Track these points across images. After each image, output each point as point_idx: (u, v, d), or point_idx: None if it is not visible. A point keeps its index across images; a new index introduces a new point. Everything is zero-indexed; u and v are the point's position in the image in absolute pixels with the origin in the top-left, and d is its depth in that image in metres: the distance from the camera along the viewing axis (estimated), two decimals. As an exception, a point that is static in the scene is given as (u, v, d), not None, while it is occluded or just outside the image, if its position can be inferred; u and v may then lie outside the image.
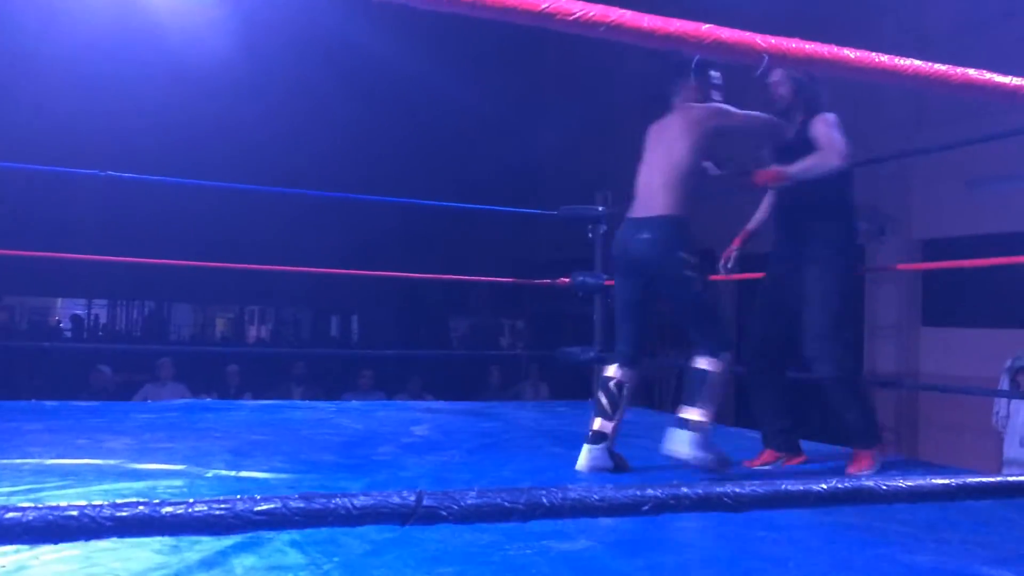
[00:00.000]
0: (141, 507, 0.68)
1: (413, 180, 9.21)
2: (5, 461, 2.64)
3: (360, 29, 8.83)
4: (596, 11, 0.84)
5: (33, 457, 2.72)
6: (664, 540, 2.00)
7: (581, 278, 4.66)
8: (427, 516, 0.67)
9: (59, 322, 16.63)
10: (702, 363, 2.83)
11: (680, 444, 2.71)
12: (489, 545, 1.87)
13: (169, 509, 0.67)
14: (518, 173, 10.89)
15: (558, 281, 4.78)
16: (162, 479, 2.47)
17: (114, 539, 0.73)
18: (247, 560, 1.74)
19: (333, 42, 9.25)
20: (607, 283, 4.69)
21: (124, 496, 2.31)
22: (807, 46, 1.02)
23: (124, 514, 0.66)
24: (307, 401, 5.08)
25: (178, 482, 2.45)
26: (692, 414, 2.74)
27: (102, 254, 4.59)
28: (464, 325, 14.66)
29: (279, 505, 0.66)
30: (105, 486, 2.39)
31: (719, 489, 0.75)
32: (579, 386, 5.14)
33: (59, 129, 8.31)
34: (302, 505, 0.66)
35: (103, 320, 15.20)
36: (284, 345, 14.52)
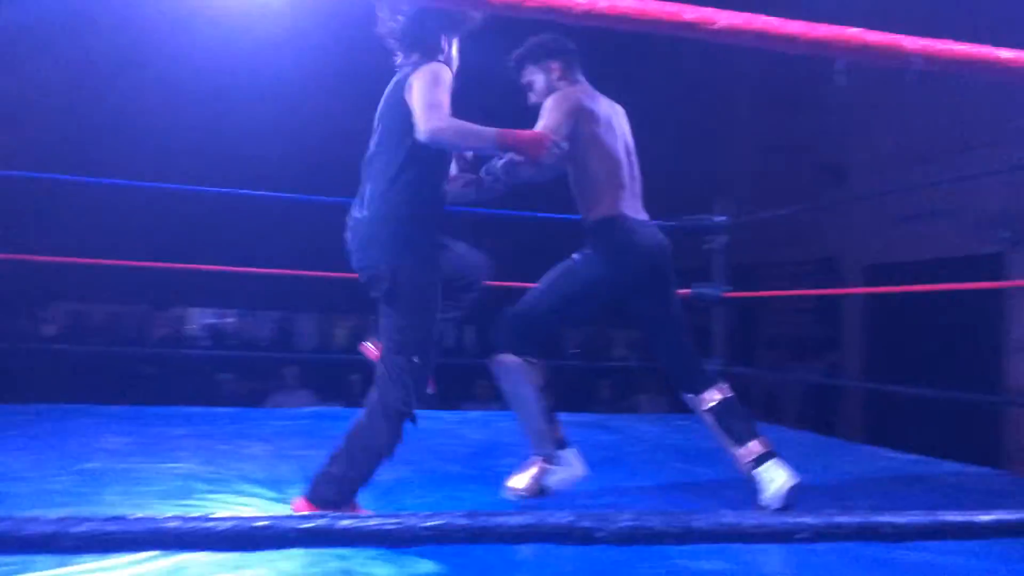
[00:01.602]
0: (321, 520, 0.72)
1: (521, 192, 9.25)
2: (158, 465, 2.82)
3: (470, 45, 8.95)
4: (741, 20, 0.85)
5: (181, 461, 2.90)
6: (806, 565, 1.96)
7: (699, 289, 4.60)
8: (583, 537, 0.69)
9: (193, 331, 17.49)
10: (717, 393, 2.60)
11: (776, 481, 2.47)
12: (622, 563, 1.87)
13: (346, 523, 0.71)
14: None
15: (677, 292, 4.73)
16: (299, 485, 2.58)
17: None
18: (382, 570, 1.81)
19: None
20: (727, 295, 4.62)
21: (269, 501, 2.43)
22: (958, 47, 0.98)
23: (307, 526, 0.70)
24: (429, 411, 5.19)
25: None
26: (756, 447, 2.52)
27: (233, 265, 4.85)
28: (576, 335, 14.61)
29: (446, 521, 0.69)
30: (246, 491, 2.51)
31: (877, 519, 0.74)
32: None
33: (192, 148, 8.80)
34: (467, 522, 0.69)
35: (232, 329, 15.91)
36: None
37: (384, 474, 2.83)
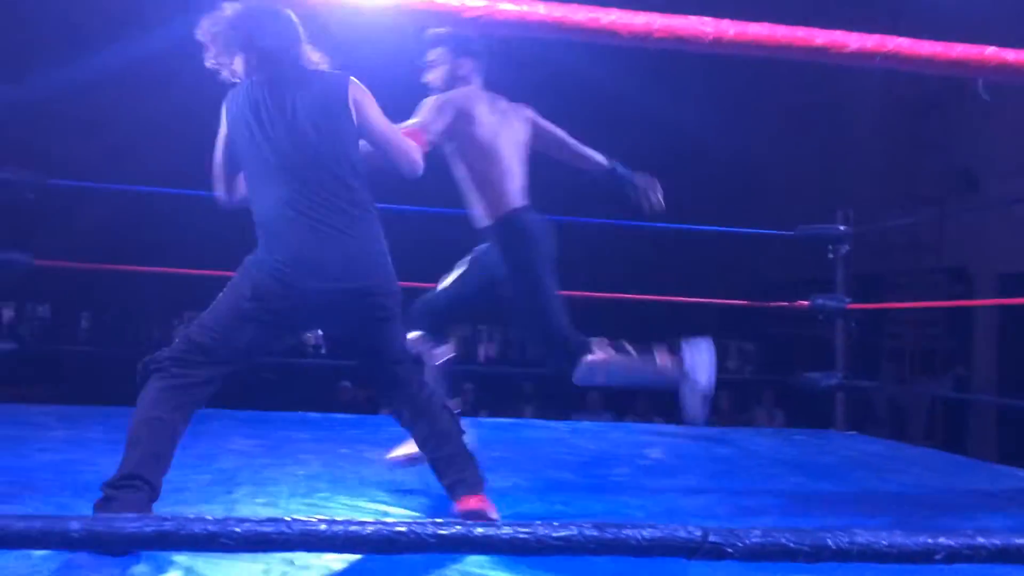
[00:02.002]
0: (458, 527, 0.75)
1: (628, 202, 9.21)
2: (284, 467, 2.94)
3: (592, 62, 8.99)
4: (872, 42, 0.84)
5: (305, 464, 3.01)
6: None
7: (821, 300, 4.47)
8: (712, 552, 0.69)
9: (311, 340, 18.13)
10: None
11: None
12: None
13: (480, 531, 0.74)
14: (748, 190, 10.60)
15: (795, 304, 4.61)
16: (415, 495, 2.64)
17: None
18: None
19: (565, 75, 9.46)
20: (849, 306, 4.47)
21: (387, 505, 2.51)
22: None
23: (444, 532, 0.73)
24: (541, 420, 5.23)
25: (424, 499, 2.59)
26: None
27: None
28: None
29: (575, 532, 0.71)
30: (366, 494, 2.59)
31: (1018, 541, 0.71)
32: (819, 414, 4.91)
33: None
34: (596, 533, 0.70)
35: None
36: (512, 365, 14.94)
37: (498, 480, 2.88)
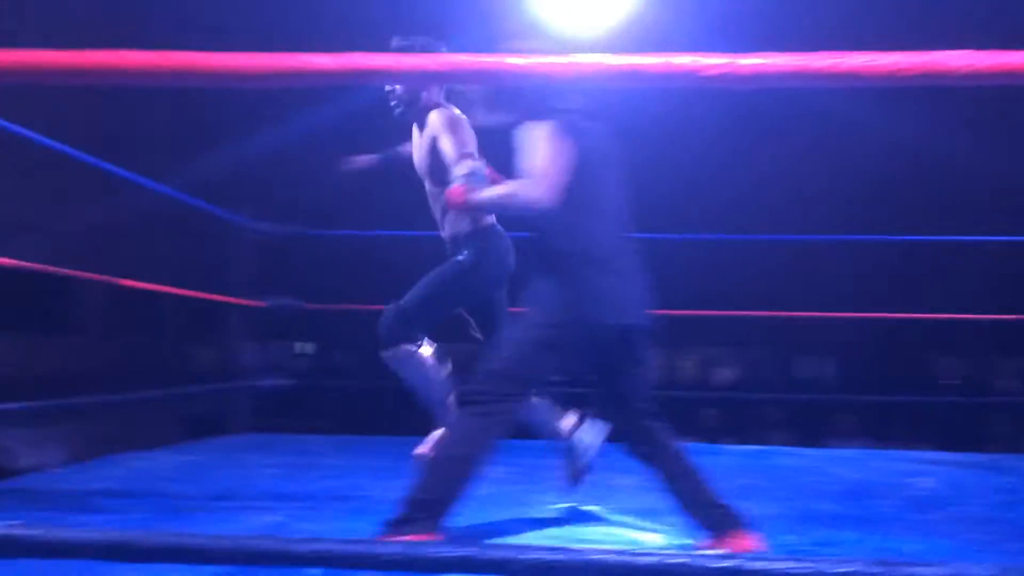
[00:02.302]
0: (732, 561, 0.73)
1: (885, 214, 8.66)
2: (538, 493, 3.01)
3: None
4: None
5: (554, 491, 3.07)
6: None
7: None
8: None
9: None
10: None
11: None
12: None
13: (757, 564, 0.72)
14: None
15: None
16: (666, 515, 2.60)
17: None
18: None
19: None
20: None
21: (642, 531, 2.50)
22: None
23: (720, 565, 0.71)
24: (792, 447, 4.99)
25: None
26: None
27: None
28: (954, 366, 13.18)
29: (857, 569, 0.67)
30: (622, 521, 2.60)
31: None
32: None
33: None
34: (879, 571, 0.66)
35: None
36: (754, 389, 14.40)
37: (751, 510, 2.78)
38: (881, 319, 5.23)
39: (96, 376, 7.91)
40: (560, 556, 0.75)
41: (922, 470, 3.77)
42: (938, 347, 12.50)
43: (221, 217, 4.11)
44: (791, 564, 0.75)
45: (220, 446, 4.24)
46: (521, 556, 0.75)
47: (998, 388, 11.49)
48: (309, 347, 14.76)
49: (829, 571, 0.71)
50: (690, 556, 0.75)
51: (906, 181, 10.22)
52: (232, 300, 4.29)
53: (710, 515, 2.16)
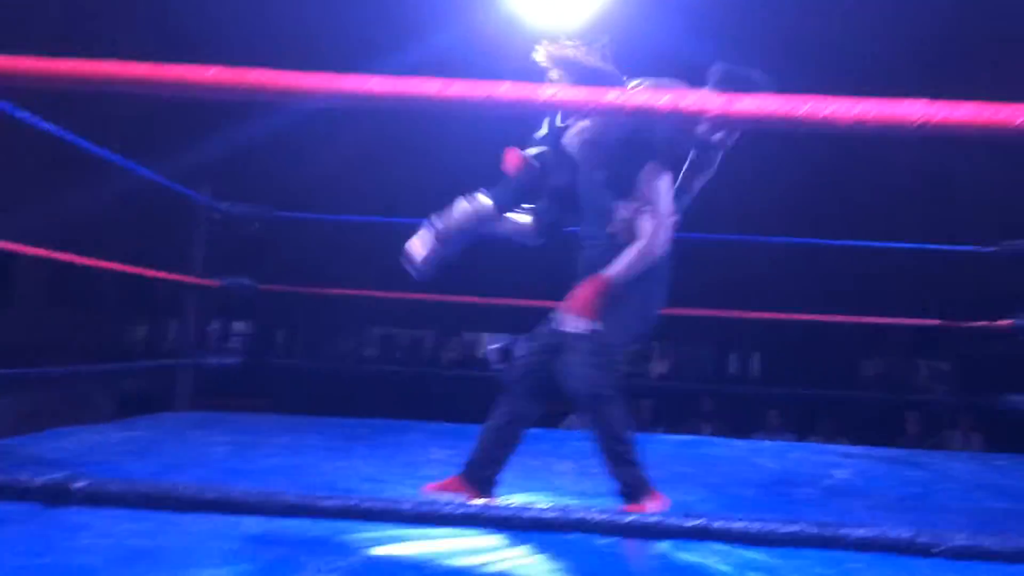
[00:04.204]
0: (702, 519, 0.88)
1: (819, 218, 9.00)
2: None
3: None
4: None
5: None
6: None
7: (1024, 320, 4.26)
8: (921, 550, 0.79)
9: (485, 355, 18.76)
10: None
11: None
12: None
13: (719, 523, 0.87)
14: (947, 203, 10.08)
15: (996, 323, 4.41)
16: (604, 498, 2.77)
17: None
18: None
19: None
20: (1055, 326, 4.23)
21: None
22: None
23: (689, 525, 0.86)
24: (721, 438, 5.23)
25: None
26: None
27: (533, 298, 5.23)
28: (875, 365, 13.75)
29: (801, 528, 0.82)
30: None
31: None
32: (1021, 438, 4.65)
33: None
34: (818, 531, 0.82)
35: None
36: (687, 381, 14.75)
37: (682, 495, 2.97)
38: (808, 320, 5.50)
39: (40, 350, 7.80)
40: (555, 514, 0.90)
41: (840, 462, 4.02)
42: (860, 347, 13.03)
43: (180, 194, 4.13)
44: (757, 525, 0.90)
45: (165, 423, 4.27)
46: (523, 514, 0.89)
47: (914, 387, 12.05)
48: (260, 327, 14.64)
49: (779, 530, 0.86)
50: (663, 517, 0.90)
51: (833, 189, 10.62)
52: (186, 279, 4.33)
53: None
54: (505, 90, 1.12)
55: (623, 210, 2.45)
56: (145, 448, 3.42)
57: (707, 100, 1.10)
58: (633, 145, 2.42)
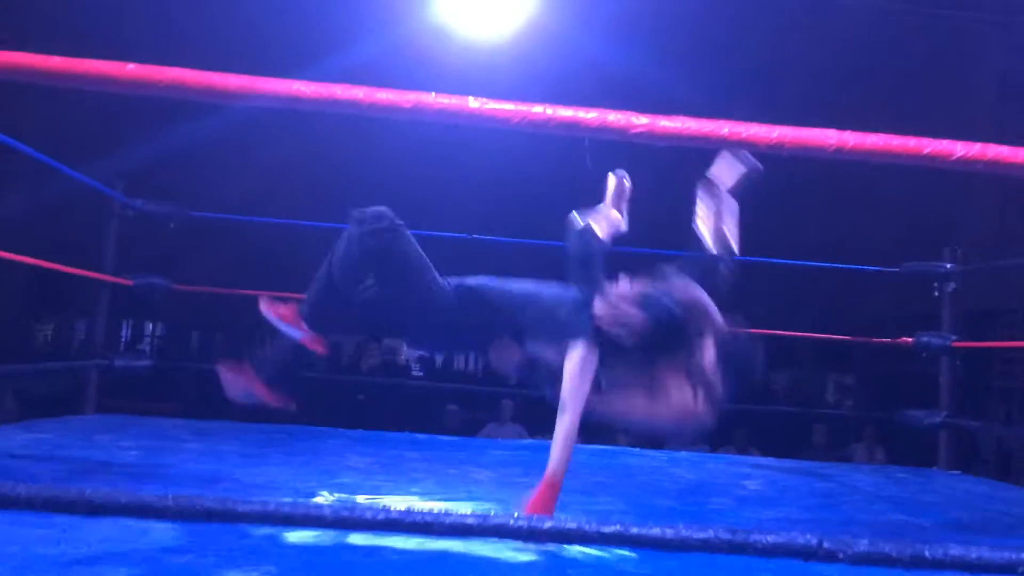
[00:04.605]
0: (618, 526, 0.90)
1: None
2: (398, 484, 3.14)
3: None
4: (975, 150, 0.97)
5: (418, 483, 3.21)
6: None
7: (926, 338, 4.46)
8: (826, 556, 0.83)
9: (407, 361, 18.63)
10: None
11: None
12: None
13: (636, 530, 0.89)
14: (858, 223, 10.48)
15: (899, 340, 4.61)
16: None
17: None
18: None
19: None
20: (955, 344, 4.44)
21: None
22: None
23: (609, 530, 0.88)
24: (639, 448, 5.32)
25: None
26: None
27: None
28: (785, 378, 14.19)
29: (713, 535, 0.85)
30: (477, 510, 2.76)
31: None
32: (922, 452, 4.86)
33: (429, 195, 9.63)
34: (729, 537, 0.85)
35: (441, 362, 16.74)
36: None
37: (599, 504, 3.02)
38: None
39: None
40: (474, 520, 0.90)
41: (751, 473, 4.13)
42: (772, 361, 13.42)
43: (94, 191, 4.00)
44: (661, 530, 0.92)
45: (72, 426, 4.12)
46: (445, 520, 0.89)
47: (821, 401, 12.47)
48: (175, 330, 14.25)
49: (693, 536, 0.89)
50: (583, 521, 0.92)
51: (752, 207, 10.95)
52: (97, 276, 4.19)
53: None
54: (432, 99, 1.13)
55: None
56: (50, 452, 3.30)
57: (632, 119, 1.13)
58: None
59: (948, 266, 4.44)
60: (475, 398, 8.72)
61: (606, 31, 8.13)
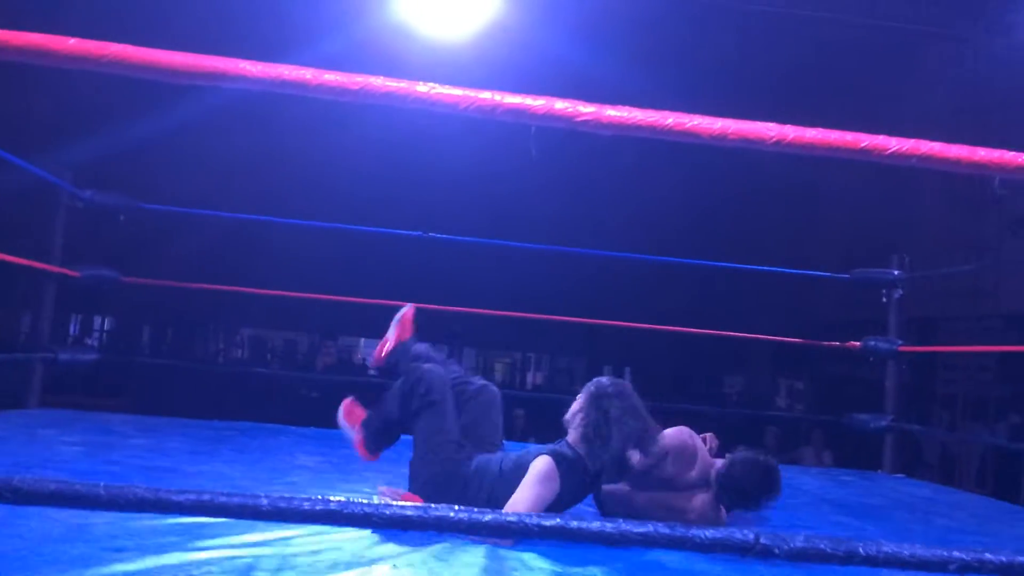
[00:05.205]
0: (558, 520, 0.90)
1: (691, 239, 9.35)
2: (348, 483, 3.11)
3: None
4: (908, 145, 0.99)
5: (367, 482, 3.18)
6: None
7: (873, 342, 4.54)
8: (763, 552, 0.84)
9: (363, 360, 18.52)
10: None
11: None
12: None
13: (575, 524, 0.89)
14: (811, 227, 10.65)
15: (847, 344, 4.69)
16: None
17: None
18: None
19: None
20: (901, 349, 4.53)
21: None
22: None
23: (548, 524, 0.88)
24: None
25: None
26: None
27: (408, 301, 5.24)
28: (739, 382, 14.39)
29: (652, 529, 0.86)
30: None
31: (1022, 560, 0.84)
32: (868, 455, 4.95)
33: (384, 193, 9.56)
34: (667, 532, 0.85)
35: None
36: (559, 392, 14.98)
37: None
38: (677, 336, 5.70)
39: None
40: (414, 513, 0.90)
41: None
42: (724, 364, 13.61)
43: (40, 178, 3.89)
44: (601, 523, 0.93)
45: (14, 420, 4.02)
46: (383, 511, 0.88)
47: (773, 405, 12.66)
48: (125, 324, 13.98)
49: (632, 530, 0.89)
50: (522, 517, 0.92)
51: (710, 211, 11.10)
52: (43, 267, 4.08)
53: None
54: (380, 83, 1.12)
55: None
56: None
57: (579, 107, 1.13)
58: None
59: (896, 273, 4.53)
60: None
61: (569, 31, 8.18)
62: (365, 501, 0.94)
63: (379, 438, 2.92)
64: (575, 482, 2.50)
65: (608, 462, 2.49)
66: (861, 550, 0.85)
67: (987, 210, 8.53)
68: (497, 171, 9.84)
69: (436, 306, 5.22)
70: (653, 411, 2.72)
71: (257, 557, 1.95)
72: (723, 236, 10.20)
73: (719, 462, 2.87)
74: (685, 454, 2.82)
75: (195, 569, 1.83)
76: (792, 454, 8.53)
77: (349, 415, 2.96)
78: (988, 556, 0.85)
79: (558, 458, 2.46)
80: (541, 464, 2.44)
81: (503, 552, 2.17)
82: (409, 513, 0.93)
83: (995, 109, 8.12)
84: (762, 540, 0.83)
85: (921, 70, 9.12)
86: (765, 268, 5.40)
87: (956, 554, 0.84)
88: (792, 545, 0.84)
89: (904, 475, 4.62)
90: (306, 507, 0.93)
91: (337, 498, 0.93)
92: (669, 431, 2.78)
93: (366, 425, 2.93)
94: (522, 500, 2.36)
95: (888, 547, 0.86)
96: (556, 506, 2.44)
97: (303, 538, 2.13)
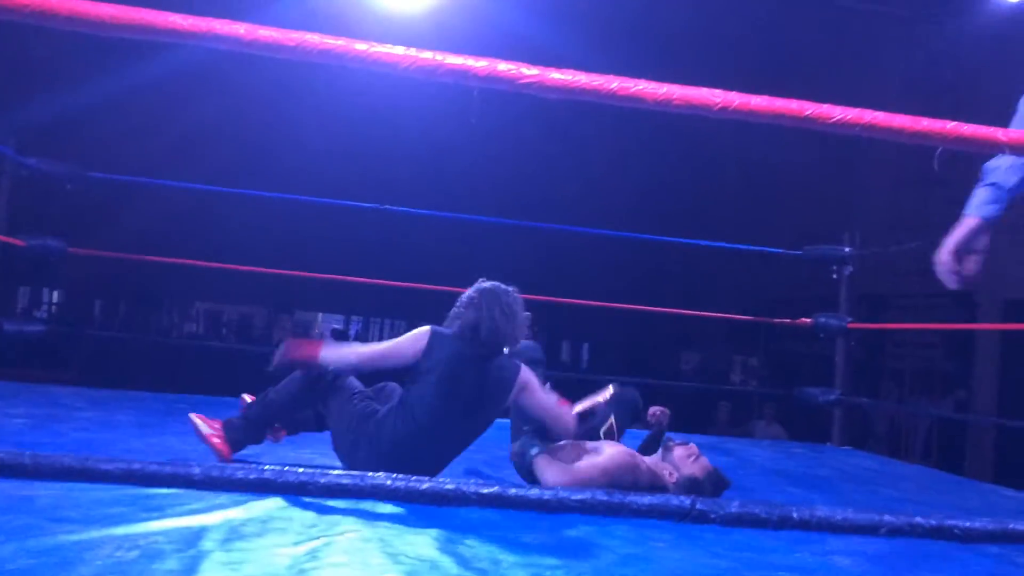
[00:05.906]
0: (496, 487, 0.89)
1: (647, 215, 9.41)
2: (299, 454, 3.09)
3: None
4: (853, 114, 1.00)
5: (325, 456, 3.16)
6: None
7: (823, 319, 4.61)
8: (699, 517, 0.84)
9: (320, 335, 18.41)
10: None
11: None
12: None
13: (513, 491, 0.89)
14: (758, 206, 10.75)
15: (798, 321, 4.76)
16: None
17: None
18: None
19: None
20: (851, 325, 4.61)
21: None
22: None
23: (486, 491, 0.88)
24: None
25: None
26: None
27: (365, 276, 5.21)
28: (695, 358, 14.55)
29: (590, 496, 0.86)
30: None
31: (950, 522, 0.86)
32: (819, 429, 5.05)
33: (339, 166, 9.45)
34: (606, 499, 0.86)
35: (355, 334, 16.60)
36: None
37: (514, 476, 3.03)
38: (634, 314, 5.75)
39: None
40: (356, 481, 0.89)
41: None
42: (682, 341, 13.76)
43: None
44: (540, 491, 0.93)
45: (-43, 393, 3.92)
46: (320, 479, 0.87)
47: (727, 380, 12.84)
48: (76, 297, 13.69)
49: (569, 497, 0.89)
50: (465, 483, 0.91)
51: (664, 186, 11.17)
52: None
53: None
54: (318, 40, 1.10)
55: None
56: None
57: (522, 69, 1.12)
58: None
59: (847, 250, 4.60)
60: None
61: (525, 4, 8.12)
62: (301, 470, 0.93)
63: (247, 432, 2.75)
64: (451, 349, 2.62)
65: (486, 337, 2.60)
66: (795, 515, 0.86)
67: (935, 188, 8.69)
68: (454, 144, 9.78)
69: (390, 282, 5.20)
70: (592, 385, 2.79)
71: (205, 527, 1.92)
72: (680, 212, 10.28)
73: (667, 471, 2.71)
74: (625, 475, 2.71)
75: (141, 540, 1.79)
76: (744, 427, 8.67)
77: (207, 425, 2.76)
78: (919, 520, 0.87)
79: (435, 328, 2.65)
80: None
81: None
82: (345, 482, 0.92)
83: (948, 92, 8.26)
84: (698, 506, 0.84)
85: (878, 51, 9.22)
86: (720, 244, 5.45)
87: (887, 518, 0.86)
88: (728, 511, 0.85)
89: (852, 447, 4.71)
90: (239, 476, 0.91)
91: (271, 467, 0.92)
92: (609, 450, 2.47)
93: (235, 421, 2.78)
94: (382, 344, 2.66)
95: (821, 511, 0.88)
96: (434, 369, 2.56)
97: (252, 506, 2.10)
